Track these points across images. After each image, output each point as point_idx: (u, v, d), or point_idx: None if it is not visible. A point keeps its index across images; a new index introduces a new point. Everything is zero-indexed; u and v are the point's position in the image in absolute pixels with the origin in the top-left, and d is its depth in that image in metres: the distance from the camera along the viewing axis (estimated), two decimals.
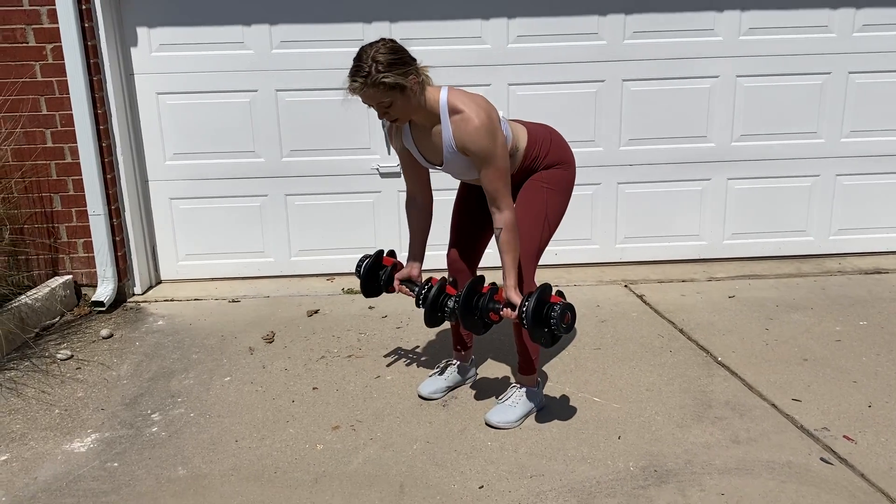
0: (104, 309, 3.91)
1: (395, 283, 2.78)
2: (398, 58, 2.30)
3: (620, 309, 3.77)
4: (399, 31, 3.96)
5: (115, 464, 2.56)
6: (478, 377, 3.09)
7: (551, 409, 2.82)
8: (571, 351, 3.31)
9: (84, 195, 3.84)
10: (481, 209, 2.72)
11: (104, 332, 3.63)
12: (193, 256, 4.27)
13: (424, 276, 2.77)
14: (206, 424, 2.79)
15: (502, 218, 2.44)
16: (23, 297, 3.65)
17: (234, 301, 4.03)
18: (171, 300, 4.08)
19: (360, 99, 2.36)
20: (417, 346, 3.40)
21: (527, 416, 2.75)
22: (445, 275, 2.80)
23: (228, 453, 2.60)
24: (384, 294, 2.88)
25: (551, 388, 2.98)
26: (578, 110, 4.13)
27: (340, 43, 3.95)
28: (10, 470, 2.54)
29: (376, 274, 2.83)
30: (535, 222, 2.63)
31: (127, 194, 3.97)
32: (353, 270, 2.89)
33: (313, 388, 3.05)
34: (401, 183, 3.78)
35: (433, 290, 2.63)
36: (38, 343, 3.54)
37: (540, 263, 4.18)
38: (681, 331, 3.50)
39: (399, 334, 3.53)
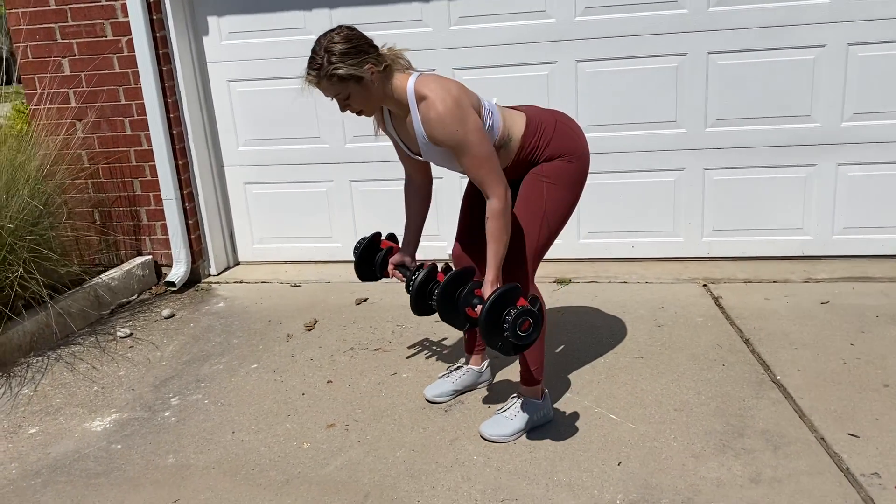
0: (176, 289, 4.11)
1: (390, 267, 2.65)
2: (352, 47, 2.14)
3: (686, 312, 3.38)
4: (458, 9, 3.77)
5: (119, 446, 2.67)
6: (493, 382, 2.89)
7: (557, 424, 2.57)
8: (608, 359, 3.01)
9: (159, 180, 4.04)
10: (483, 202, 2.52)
11: (165, 312, 3.81)
12: (267, 240, 4.38)
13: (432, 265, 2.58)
14: (214, 412, 2.84)
15: (489, 206, 2.20)
16: (100, 276, 3.91)
17: (295, 285, 4.08)
18: (241, 282, 4.21)
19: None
20: (449, 344, 3.25)
21: (526, 430, 2.52)
22: (448, 262, 2.62)
23: (220, 444, 2.62)
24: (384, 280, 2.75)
25: (568, 400, 2.72)
26: (656, 88, 3.72)
27: (402, 24, 3.83)
28: (31, 443, 2.73)
29: (372, 257, 2.70)
30: (531, 220, 2.38)
31: (200, 179, 4.13)
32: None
33: (328, 382, 3.00)
34: None
35: (421, 275, 2.45)
36: (109, 320, 3.79)
37: (616, 257, 3.91)
38: (746, 341, 3.07)
39: (435, 329, 3.39)
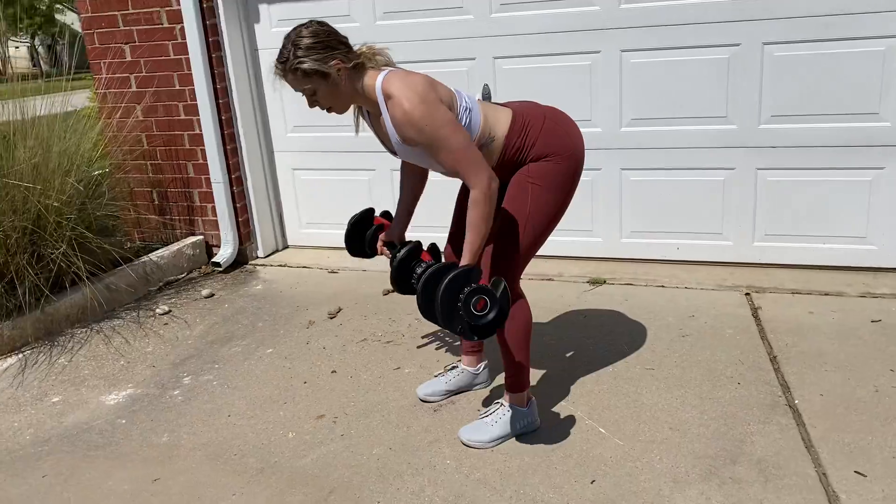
0: (221, 269, 4.25)
1: (379, 243, 2.61)
2: (318, 41, 2.10)
3: (716, 323, 3.16)
4: None
5: (123, 421, 2.79)
6: (491, 385, 2.81)
7: (541, 433, 2.48)
8: (617, 367, 2.86)
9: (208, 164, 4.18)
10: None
11: (205, 292, 3.95)
12: (312, 225, 4.45)
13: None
14: (219, 394, 2.92)
15: (472, 195, 2.10)
16: (150, 255, 4.10)
17: (332, 272, 4.13)
18: (283, 266, 4.30)
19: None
20: (459, 342, 3.19)
21: (506, 438, 2.44)
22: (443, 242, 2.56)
23: (213, 427, 2.69)
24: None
25: (561, 408, 2.61)
26: (705, 81, 3.48)
27: (443, 12, 3.76)
28: (51, 411, 2.90)
29: (362, 232, 2.66)
30: (516, 221, 2.28)
31: (248, 164, 4.24)
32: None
33: (332, 372, 3.02)
34: None
35: (403, 251, 2.40)
36: (155, 297, 3.97)
37: (658, 258, 3.72)
38: (773, 359, 2.84)
39: None
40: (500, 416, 2.45)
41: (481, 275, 2.10)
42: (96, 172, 3.93)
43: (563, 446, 2.41)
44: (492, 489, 2.23)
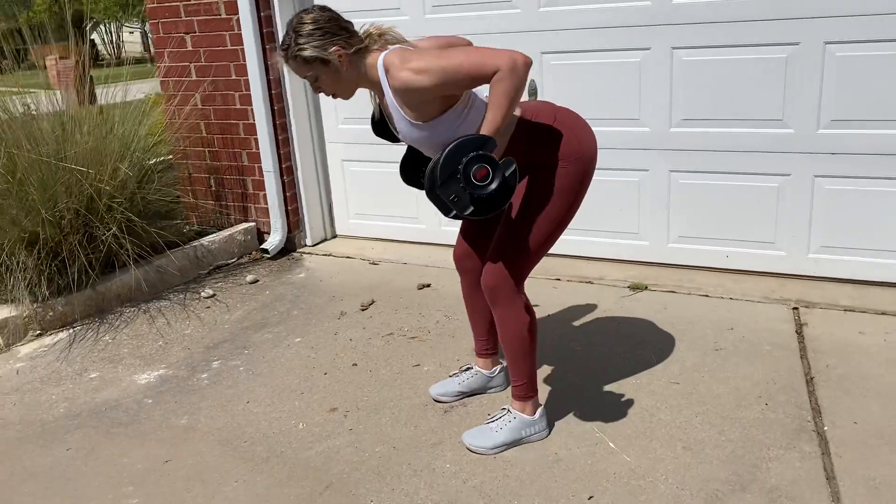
0: (269, 256, 4.34)
1: None
2: (318, 28, 2.08)
3: (755, 338, 3.00)
4: None
5: (150, 400, 2.89)
6: (507, 389, 2.75)
7: (548, 443, 2.41)
8: (640, 379, 2.76)
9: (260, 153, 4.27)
10: None
11: (249, 278, 4.05)
12: (359, 216, 4.48)
13: None
14: (242, 380, 2.98)
15: (495, 76, 1.94)
16: (201, 239, 4.23)
17: (373, 263, 4.15)
18: (329, 255, 4.35)
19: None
20: None
21: (510, 445, 2.39)
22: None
23: (230, 413, 2.75)
24: None
25: (573, 419, 2.53)
26: (761, 81, 3.29)
27: (491, 6, 3.70)
28: (86, 386, 3.04)
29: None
30: (519, 225, 2.22)
31: (299, 154, 4.30)
32: None
33: (353, 364, 3.03)
34: None
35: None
36: (204, 280, 4.10)
37: (706, 266, 3.56)
38: (809, 380, 2.67)
39: None
40: (506, 423, 2.40)
41: (495, 146, 1.99)
42: (152, 161, 4.07)
43: (567, 458, 2.34)
44: (486, 498, 2.18)
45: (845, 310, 3.17)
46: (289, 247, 4.44)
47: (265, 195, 4.37)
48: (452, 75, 1.98)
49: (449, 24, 3.82)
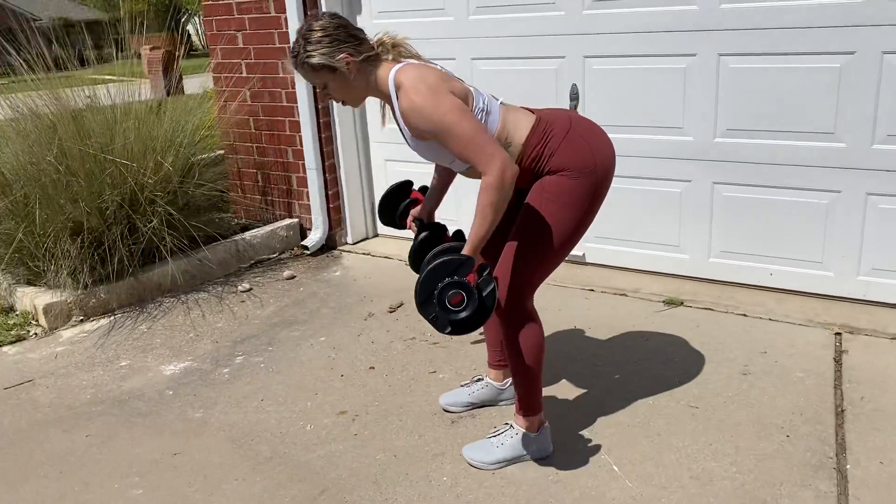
0: (309, 253, 4.39)
1: (409, 218, 2.58)
2: (326, 35, 2.07)
3: (788, 363, 2.84)
4: None
5: (171, 392, 2.96)
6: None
7: (549, 462, 2.34)
8: (658, 401, 2.65)
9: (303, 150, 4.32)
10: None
11: (286, 274, 4.10)
12: None
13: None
14: (261, 377, 3.02)
15: (483, 180, 1.97)
16: (244, 234, 4.31)
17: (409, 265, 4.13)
18: (367, 254, 4.37)
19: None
20: None
21: (511, 462, 2.34)
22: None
23: (244, 410, 2.79)
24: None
25: (580, 438, 2.46)
26: (811, 92, 3.11)
27: (534, 7, 3.63)
28: (116, 374, 3.14)
29: (396, 204, 2.63)
30: (528, 237, 2.16)
31: (343, 152, 4.33)
32: None
33: (370, 368, 3.03)
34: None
35: (426, 232, 2.39)
36: (244, 273, 4.18)
37: (748, 283, 3.42)
38: (839, 412, 2.51)
39: None
40: (507, 439, 2.35)
41: (472, 268, 1.99)
42: (202, 156, 4.16)
43: (566, 480, 2.26)
44: None
45: (892, 338, 2.97)
46: (329, 244, 4.48)
47: (308, 192, 4.42)
48: (446, 137, 1.99)
49: (492, 25, 3.76)
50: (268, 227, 4.42)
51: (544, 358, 2.29)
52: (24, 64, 3.81)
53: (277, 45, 4.23)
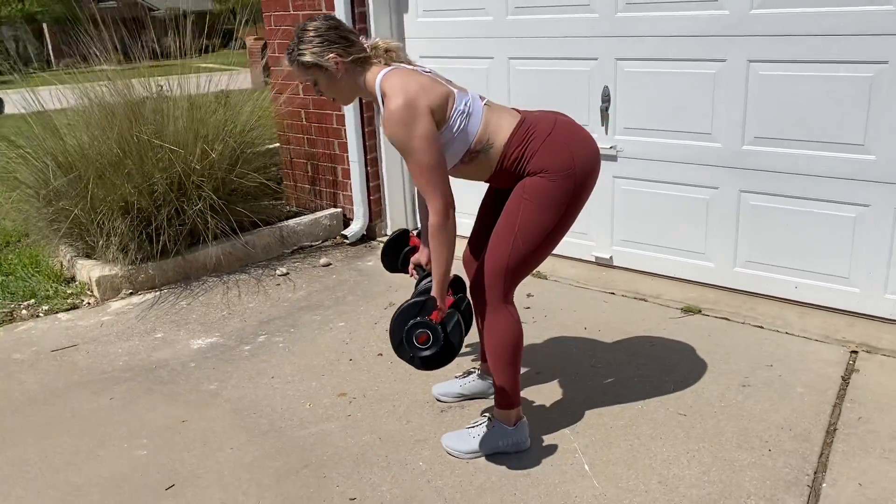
0: (349, 242, 4.55)
1: (410, 265, 2.70)
2: (318, 35, 2.19)
3: (792, 378, 2.78)
4: None
5: (193, 364, 3.17)
6: None
7: (522, 456, 2.40)
8: (647, 406, 2.65)
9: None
10: (496, 211, 2.43)
11: (322, 261, 4.28)
12: None
13: None
14: (277, 356, 3.19)
15: (430, 224, 2.15)
16: (288, 220, 4.52)
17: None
18: None
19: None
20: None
21: (485, 453, 2.41)
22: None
23: (254, 385, 2.96)
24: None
25: (559, 436, 2.50)
26: (844, 102, 3.01)
27: (568, 9, 3.65)
28: (149, 345, 3.38)
29: (398, 251, 2.77)
30: (503, 236, 2.23)
31: (384, 146, 4.47)
32: None
33: (378, 354, 3.15)
34: (617, 167, 3.54)
35: (426, 282, 2.51)
36: (284, 258, 4.38)
37: (771, 295, 3.36)
38: (830, 431, 2.45)
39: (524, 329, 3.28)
40: (483, 431, 2.42)
41: (433, 308, 2.16)
42: (258, 147, 4.39)
43: (535, 474, 2.32)
44: (442, 500, 2.23)
45: None
46: (369, 235, 4.63)
47: (351, 184, 4.58)
48: (407, 158, 2.13)
49: (529, 25, 3.81)
50: (312, 216, 4.61)
51: (522, 354, 2.35)
52: (128, 54, 4.19)
53: None
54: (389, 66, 2.25)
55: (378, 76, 2.21)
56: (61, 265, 4.18)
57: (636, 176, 3.66)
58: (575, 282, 3.77)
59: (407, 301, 2.20)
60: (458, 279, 2.53)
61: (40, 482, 2.41)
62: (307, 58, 2.20)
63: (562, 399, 2.73)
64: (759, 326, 3.21)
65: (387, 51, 2.28)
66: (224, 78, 4.70)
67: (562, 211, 2.20)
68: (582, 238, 3.95)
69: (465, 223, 4.12)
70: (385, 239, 4.62)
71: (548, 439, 2.49)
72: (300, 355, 3.19)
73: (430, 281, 2.42)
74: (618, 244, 3.83)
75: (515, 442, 2.41)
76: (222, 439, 2.61)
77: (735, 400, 2.67)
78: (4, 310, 3.79)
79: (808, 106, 3.10)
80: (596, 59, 3.63)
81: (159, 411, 2.81)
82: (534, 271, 3.88)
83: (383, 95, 2.17)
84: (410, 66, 2.26)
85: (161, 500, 2.30)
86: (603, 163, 3.74)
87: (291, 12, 4.52)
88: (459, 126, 2.17)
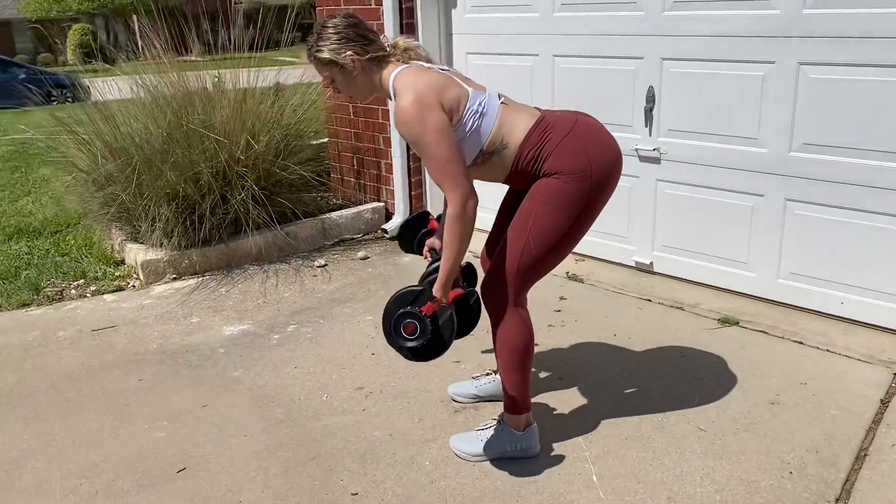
0: (388, 236, 4.57)
1: (425, 248, 2.68)
2: (336, 33, 2.19)
3: (827, 398, 2.64)
4: None
5: (222, 350, 3.24)
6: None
7: (529, 462, 2.36)
8: (667, 419, 2.57)
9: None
10: (515, 212, 2.39)
11: (360, 254, 4.30)
12: (480, 208, 4.53)
13: None
14: (304, 347, 3.22)
15: (447, 211, 2.11)
16: (330, 213, 4.56)
17: (477, 256, 4.20)
18: None
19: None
20: (540, 349, 3.09)
21: (492, 456, 2.37)
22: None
23: (276, 374, 3.00)
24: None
25: (571, 444, 2.44)
26: (889, 109, 2.85)
27: (616, 7, 3.56)
28: (185, 329, 3.46)
29: (415, 232, 2.75)
30: (516, 237, 2.19)
31: None
32: None
33: None
34: (659, 170, 3.43)
35: (436, 264, 2.50)
36: (324, 250, 4.43)
37: (815, 309, 3.23)
38: (861, 456, 2.32)
39: (551, 333, 3.23)
40: (492, 434, 2.38)
41: (427, 300, 2.13)
42: (309, 141, 4.45)
43: (541, 482, 2.27)
44: (443, 501, 2.20)
45: None
46: None
47: (394, 178, 4.59)
48: (422, 153, 2.10)
49: (574, 23, 3.73)
50: (355, 209, 4.64)
51: (532, 359, 2.30)
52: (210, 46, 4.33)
53: None
54: (407, 63, 2.23)
55: (392, 74, 2.20)
56: (112, 248, 4.33)
57: (679, 180, 3.54)
58: (611, 286, 3.68)
59: (404, 288, 2.18)
60: (472, 270, 2.50)
61: (61, 457, 2.50)
62: (325, 54, 2.21)
63: (580, 407, 2.67)
64: (798, 342, 3.06)
65: (406, 50, 2.27)
66: (297, 72, 4.78)
67: (577, 213, 2.14)
68: (623, 242, 3.85)
69: (485, 218, 4.07)
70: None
71: (559, 447, 2.44)
72: (325, 347, 3.21)
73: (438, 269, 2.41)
74: (659, 249, 3.72)
75: (524, 448, 2.37)
76: (238, 426, 2.65)
77: (761, 417, 2.55)
78: (56, 289, 3.94)
79: (864, 112, 2.94)
80: (641, 58, 3.53)
81: (183, 395, 2.88)
82: (570, 274, 3.83)
83: (395, 93, 2.16)
84: (427, 65, 2.23)
85: (170, 482, 2.35)
86: (645, 165, 3.64)
87: (342, 6, 4.55)
88: (472, 127, 2.14)
